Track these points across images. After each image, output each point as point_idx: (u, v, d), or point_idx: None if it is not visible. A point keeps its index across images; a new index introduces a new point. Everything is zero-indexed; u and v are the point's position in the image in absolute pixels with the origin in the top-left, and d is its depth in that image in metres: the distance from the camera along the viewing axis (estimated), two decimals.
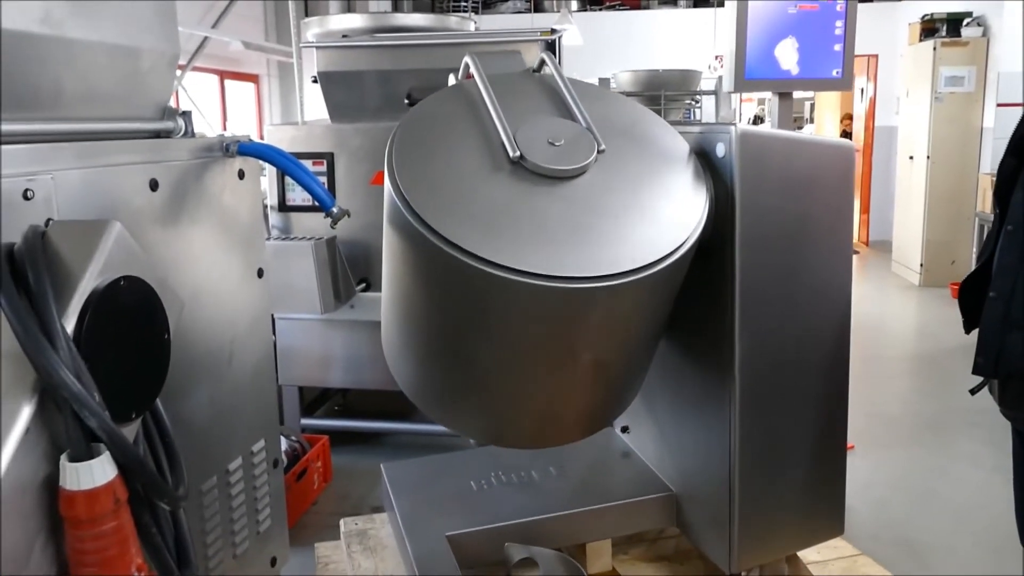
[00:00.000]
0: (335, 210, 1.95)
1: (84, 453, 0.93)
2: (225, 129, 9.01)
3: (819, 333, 1.65)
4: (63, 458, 0.93)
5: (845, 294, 1.67)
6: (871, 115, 10.09)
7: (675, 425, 1.86)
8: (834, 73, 2.21)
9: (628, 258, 1.32)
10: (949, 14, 7.38)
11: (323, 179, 3.48)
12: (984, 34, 7.18)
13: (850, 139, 9.45)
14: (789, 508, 1.72)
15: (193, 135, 1.86)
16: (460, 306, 1.39)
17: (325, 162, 3.47)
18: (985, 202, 6.78)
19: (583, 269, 1.28)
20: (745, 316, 1.55)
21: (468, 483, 1.92)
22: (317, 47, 3.40)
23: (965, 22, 7.26)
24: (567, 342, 1.45)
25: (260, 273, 2.04)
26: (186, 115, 1.85)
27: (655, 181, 1.47)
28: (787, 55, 2.21)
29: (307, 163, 3.50)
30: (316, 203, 1.95)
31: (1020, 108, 6.87)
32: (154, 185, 1.63)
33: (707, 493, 1.74)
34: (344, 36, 3.71)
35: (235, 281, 1.93)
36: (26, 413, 0.93)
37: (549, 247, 1.29)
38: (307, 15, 9.65)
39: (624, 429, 2.12)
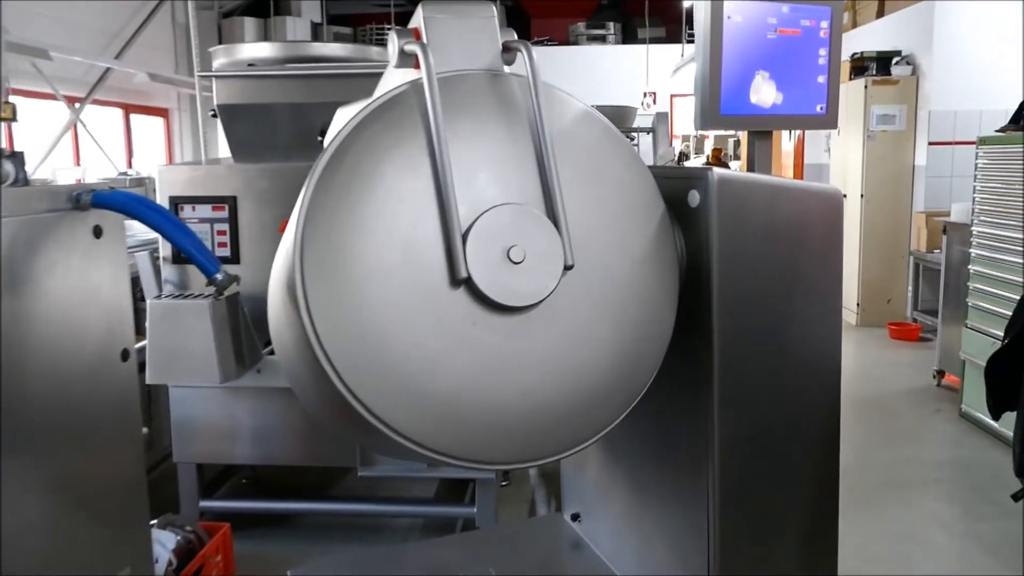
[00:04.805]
0: (219, 277, 1.58)
1: None
2: (130, 167, 8.42)
3: (809, 398, 1.50)
4: None
5: (835, 354, 1.51)
6: (800, 152, 10.09)
7: (638, 511, 1.67)
8: (818, 109, 1.91)
9: (565, 440, 1.22)
10: (879, 52, 7.37)
11: (224, 227, 3.05)
12: (913, 73, 7.18)
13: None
14: None
15: (27, 182, 1.45)
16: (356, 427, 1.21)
17: (227, 207, 3.04)
18: (919, 240, 6.72)
19: (508, 456, 1.19)
20: (726, 385, 1.38)
21: None
22: (216, 77, 2.99)
23: (895, 61, 7.25)
24: None
25: (125, 355, 1.62)
26: (16, 157, 1.42)
27: (618, 298, 1.27)
28: (764, 88, 1.88)
29: (205, 208, 3.07)
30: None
31: (951, 147, 6.87)
32: None
33: None
34: (250, 65, 3.30)
35: (87, 369, 1.51)
36: None
37: (474, 430, 1.16)
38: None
39: (575, 516, 1.90)
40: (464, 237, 1.14)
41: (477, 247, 1.15)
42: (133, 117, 8.82)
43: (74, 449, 1.47)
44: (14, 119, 5.97)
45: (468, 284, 1.14)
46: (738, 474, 1.41)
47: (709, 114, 1.76)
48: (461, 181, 1.17)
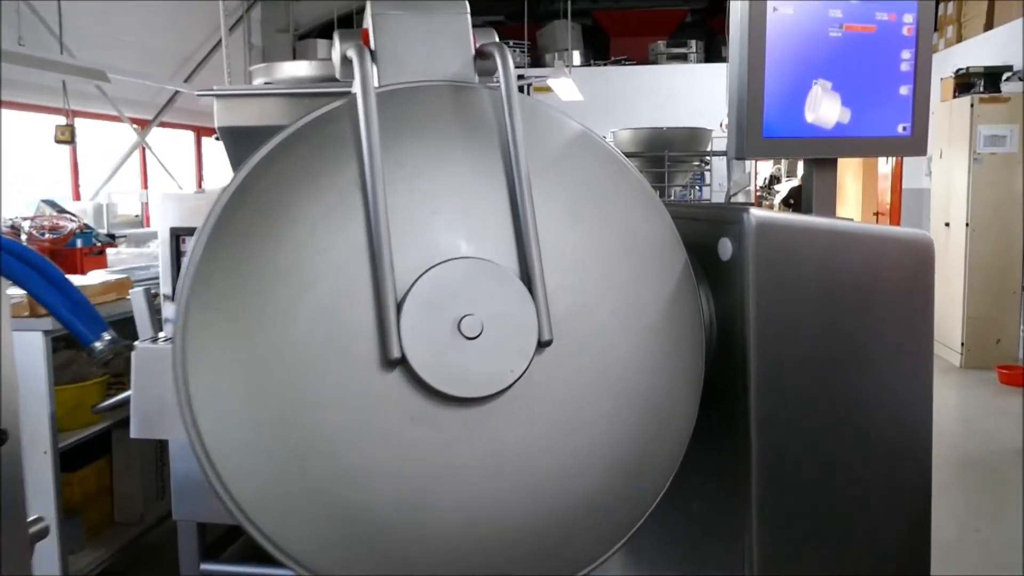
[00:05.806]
0: (98, 345, 1.29)
1: None
2: (200, 188, 8.44)
3: (885, 495, 1.23)
4: None
5: (922, 445, 1.24)
6: (898, 176, 9.39)
7: None
8: (899, 129, 1.47)
9: None
10: (987, 68, 6.69)
11: None
12: None
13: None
14: None
15: None
16: None
17: None
18: None
19: None
20: (765, 490, 1.13)
21: None
22: (216, 96, 2.71)
23: (1005, 76, 6.57)
24: None
25: (1, 438, 1.34)
26: None
27: (620, 384, 0.98)
28: (825, 102, 1.44)
29: None
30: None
31: None
32: None
33: None
34: (267, 83, 3.03)
35: None
36: None
37: (410, 564, 0.91)
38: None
39: None
40: (400, 303, 0.90)
41: (417, 316, 0.90)
42: (204, 139, 8.84)
43: None
44: (72, 141, 5.97)
45: (404, 366, 0.90)
46: None
47: (748, 137, 1.35)
48: (405, 225, 0.93)
